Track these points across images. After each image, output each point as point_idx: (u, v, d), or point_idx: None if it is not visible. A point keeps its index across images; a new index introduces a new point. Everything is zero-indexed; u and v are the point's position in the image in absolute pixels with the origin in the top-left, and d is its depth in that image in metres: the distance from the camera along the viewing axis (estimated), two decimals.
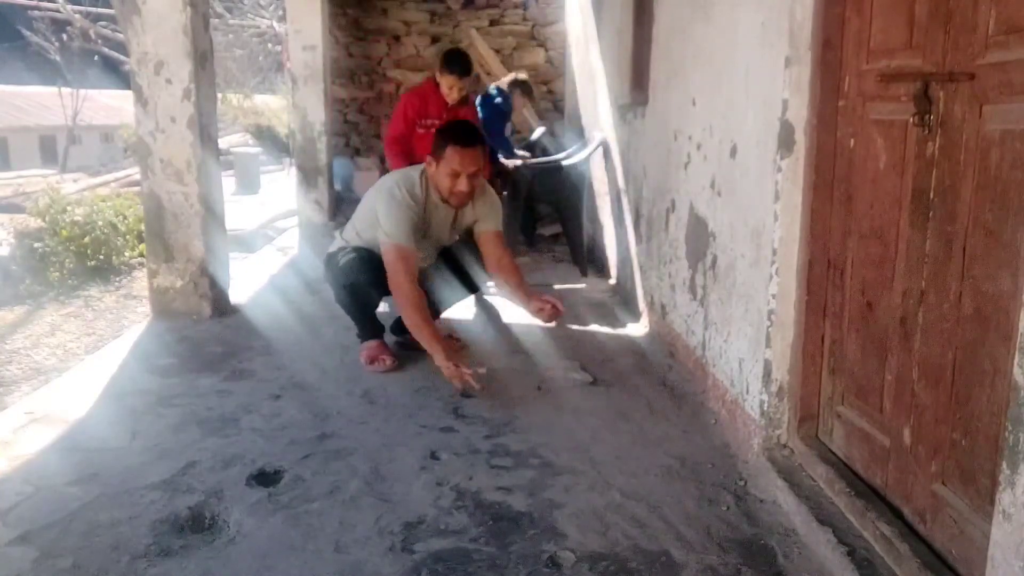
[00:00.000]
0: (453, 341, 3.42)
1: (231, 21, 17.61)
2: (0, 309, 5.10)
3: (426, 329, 2.90)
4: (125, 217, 6.49)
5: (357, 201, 3.63)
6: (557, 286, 4.75)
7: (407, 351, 3.33)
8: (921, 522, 1.71)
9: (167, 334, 3.68)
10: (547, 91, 8.22)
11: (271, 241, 6.64)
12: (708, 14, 2.87)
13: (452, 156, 2.97)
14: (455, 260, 3.36)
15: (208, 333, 3.65)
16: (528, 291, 3.18)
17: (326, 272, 3.28)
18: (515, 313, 4.18)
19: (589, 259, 5.28)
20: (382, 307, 3.40)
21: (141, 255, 5.97)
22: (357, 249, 3.16)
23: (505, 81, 5.71)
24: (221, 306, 3.96)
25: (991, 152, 1.47)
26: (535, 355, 3.43)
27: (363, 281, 3.11)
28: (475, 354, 3.44)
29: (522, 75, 5.82)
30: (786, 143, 2.16)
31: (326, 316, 3.89)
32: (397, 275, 2.93)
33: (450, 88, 4.32)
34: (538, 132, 6.68)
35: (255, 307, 4.15)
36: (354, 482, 2.24)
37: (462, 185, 3.00)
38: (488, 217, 3.25)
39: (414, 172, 3.16)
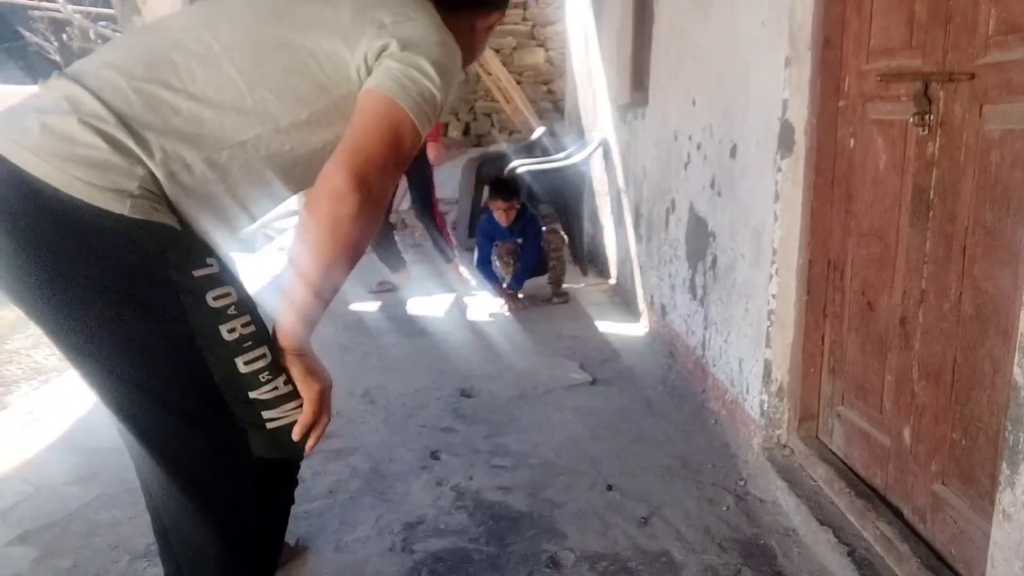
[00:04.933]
0: None
1: None
2: (0, 309, 5.09)
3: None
4: None
5: None
6: None
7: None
8: (921, 522, 1.71)
9: None
10: (547, 91, 8.23)
11: (271, 241, 6.63)
12: (708, 14, 2.87)
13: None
14: None
15: None
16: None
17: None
18: (515, 313, 4.18)
19: (589, 259, 5.28)
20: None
21: None
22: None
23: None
24: None
25: (991, 152, 1.47)
26: (535, 354, 3.43)
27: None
28: (475, 354, 3.44)
29: None
30: (786, 143, 2.16)
31: (325, 316, 3.88)
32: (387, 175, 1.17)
33: None
34: (538, 132, 6.68)
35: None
36: (354, 482, 2.24)
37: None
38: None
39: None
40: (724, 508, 2.10)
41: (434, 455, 2.42)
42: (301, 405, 1.18)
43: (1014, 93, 1.41)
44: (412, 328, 3.91)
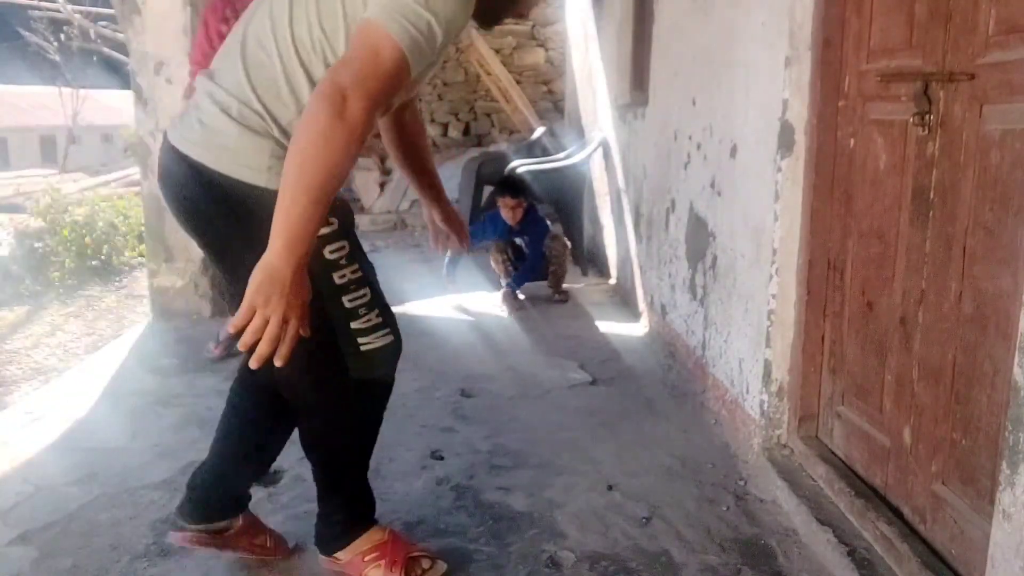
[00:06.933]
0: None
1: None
2: (0, 309, 5.09)
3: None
4: (126, 217, 6.48)
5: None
6: None
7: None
8: (921, 522, 1.71)
9: (167, 334, 3.68)
10: (547, 91, 8.22)
11: None
12: (708, 14, 2.87)
13: None
14: None
15: (208, 333, 3.64)
16: (437, 179, 1.93)
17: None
18: (514, 313, 4.18)
19: (589, 259, 5.28)
20: None
21: (141, 255, 5.97)
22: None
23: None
24: (221, 306, 3.95)
25: (991, 152, 1.47)
26: (535, 354, 3.43)
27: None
28: (475, 354, 3.44)
29: None
30: (786, 143, 2.16)
31: None
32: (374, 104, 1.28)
33: None
34: (538, 132, 6.68)
35: None
36: None
37: None
38: None
39: None
40: (724, 508, 2.10)
41: (434, 455, 2.42)
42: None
43: (1014, 93, 1.41)
44: (412, 328, 3.90)
